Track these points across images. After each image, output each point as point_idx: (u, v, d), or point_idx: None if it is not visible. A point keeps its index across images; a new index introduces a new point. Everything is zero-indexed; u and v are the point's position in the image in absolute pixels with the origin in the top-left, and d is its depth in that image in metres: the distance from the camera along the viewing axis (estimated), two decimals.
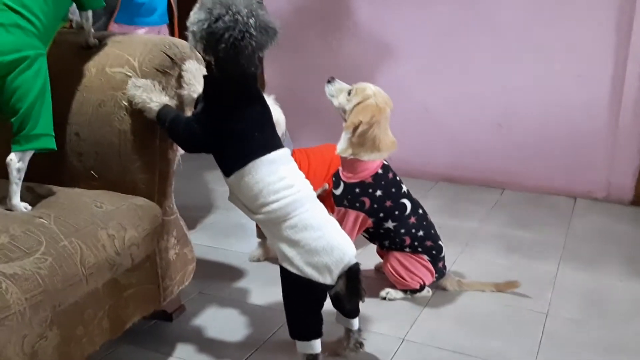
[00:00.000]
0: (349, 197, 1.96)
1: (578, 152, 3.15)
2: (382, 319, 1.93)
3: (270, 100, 1.98)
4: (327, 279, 1.48)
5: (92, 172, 1.65)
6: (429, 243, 2.02)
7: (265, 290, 2.11)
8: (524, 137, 3.23)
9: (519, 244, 2.54)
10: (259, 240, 2.36)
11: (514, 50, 3.15)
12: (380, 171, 1.96)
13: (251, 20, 1.41)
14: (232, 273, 2.26)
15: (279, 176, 1.51)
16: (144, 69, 1.64)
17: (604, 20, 2.95)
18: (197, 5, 1.47)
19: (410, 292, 2.05)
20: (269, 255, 2.35)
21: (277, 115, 1.98)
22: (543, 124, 3.18)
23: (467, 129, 3.35)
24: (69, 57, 1.70)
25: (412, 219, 2.00)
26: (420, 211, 2.03)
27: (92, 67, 1.67)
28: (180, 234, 1.82)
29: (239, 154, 1.51)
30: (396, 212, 1.97)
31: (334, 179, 2.03)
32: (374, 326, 1.89)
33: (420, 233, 2.01)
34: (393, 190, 1.97)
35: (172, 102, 1.65)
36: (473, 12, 3.18)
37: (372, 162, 1.94)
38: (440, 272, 2.07)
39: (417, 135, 3.42)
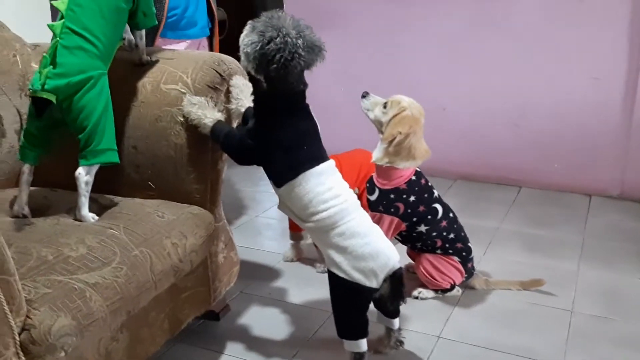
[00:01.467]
0: (384, 202, 2.06)
1: (592, 151, 3.25)
2: (417, 317, 2.05)
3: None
4: (373, 283, 1.59)
5: (150, 183, 1.76)
6: (459, 245, 2.13)
7: (302, 289, 2.23)
8: (540, 136, 3.33)
9: (539, 242, 2.65)
10: (292, 241, 2.47)
11: (530, 51, 3.25)
12: (413, 178, 2.06)
13: (299, 42, 1.51)
14: (269, 273, 2.38)
15: (327, 187, 1.61)
16: (196, 85, 1.74)
17: (619, 21, 3.05)
18: (249, 27, 1.57)
19: (441, 291, 2.17)
20: (301, 256, 2.46)
21: None
22: (558, 124, 3.28)
23: (484, 128, 3.45)
24: (125, 74, 1.79)
25: (444, 223, 2.10)
26: (451, 215, 2.14)
27: (147, 84, 1.77)
28: (227, 238, 1.93)
29: (289, 166, 1.61)
30: (429, 217, 2.08)
31: (368, 185, 2.13)
32: (410, 325, 2.00)
33: (451, 236, 2.12)
34: (425, 195, 2.08)
35: (223, 117, 1.75)
36: (491, 12, 3.28)
37: (406, 170, 2.05)
38: (470, 272, 2.18)
39: (435, 135, 3.48)
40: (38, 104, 1.55)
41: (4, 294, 1.12)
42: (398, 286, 1.63)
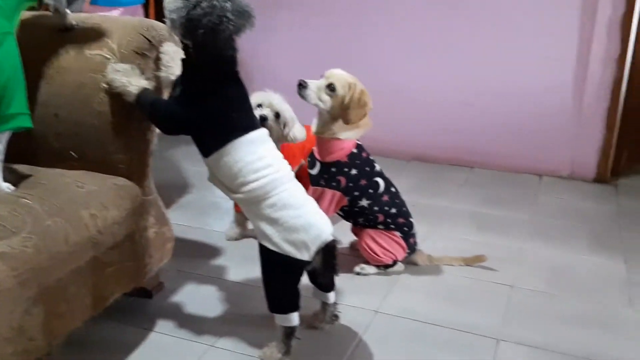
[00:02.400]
0: (325, 176, 2.01)
1: (544, 132, 3.25)
2: (356, 292, 2.01)
3: (277, 97, 2.01)
4: (305, 255, 1.54)
5: (72, 152, 1.68)
6: (401, 220, 2.09)
7: (242, 267, 2.17)
8: (493, 116, 3.32)
9: (488, 221, 2.64)
10: (236, 219, 2.40)
11: (484, 32, 3.23)
12: (354, 151, 2.02)
13: (227, 5, 1.45)
14: (210, 251, 2.31)
15: (258, 156, 1.56)
16: (122, 51, 1.66)
17: (570, 1, 3.04)
18: None
19: (384, 267, 2.13)
20: (245, 234, 2.40)
21: (288, 114, 2.02)
22: (511, 104, 3.27)
23: (439, 108, 3.42)
24: (47, 40, 1.71)
25: (385, 197, 2.07)
26: (393, 189, 2.10)
27: (70, 50, 1.69)
28: (159, 213, 1.86)
29: (217, 134, 1.55)
30: (370, 191, 2.04)
31: (309, 159, 2.08)
32: (349, 299, 1.96)
33: (393, 210, 2.08)
34: (367, 169, 2.04)
35: (151, 85, 1.68)
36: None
37: (347, 142, 2.00)
38: (412, 248, 2.15)
39: (390, 115, 3.47)
40: None
41: None
42: (330, 259, 1.58)
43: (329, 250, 1.57)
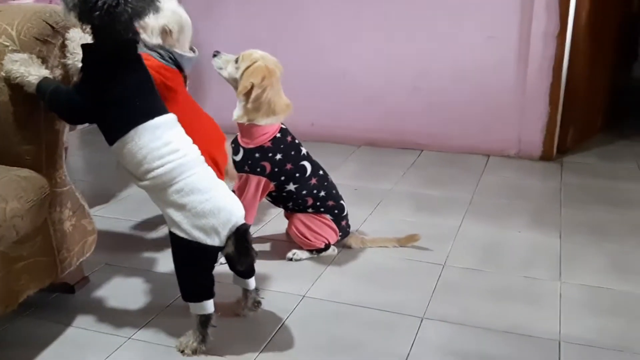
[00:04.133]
0: (250, 162, 1.98)
1: (490, 112, 3.25)
2: (286, 278, 1.98)
3: (172, 3, 1.99)
4: (215, 241, 1.50)
5: None
6: (330, 203, 2.07)
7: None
8: (440, 98, 3.31)
9: (429, 202, 2.63)
10: None
11: (427, 14, 3.21)
12: (278, 135, 1.98)
13: None
14: (141, 244, 2.26)
15: (164, 141, 1.51)
16: (22, 38, 1.60)
17: None
18: None
19: (316, 251, 2.11)
20: None
21: (183, 19, 2.00)
22: (457, 85, 3.26)
23: (385, 92, 3.41)
24: None
25: (313, 180, 2.04)
26: (321, 172, 2.08)
27: None
28: (75, 205, 1.80)
29: (120, 121, 1.50)
30: (297, 175, 2.01)
31: (232, 145, 2.04)
32: (277, 286, 1.93)
33: (322, 193, 2.05)
34: (292, 153, 2.00)
35: (58, 72, 1.63)
36: None
37: (269, 127, 1.97)
38: (344, 231, 2.12)
39: (336, 101, 3.46)
40: None
41: None
42: (243, 243, 1.54)
43: (240, 235, 1.53)
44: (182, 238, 1.51)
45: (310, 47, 3.42)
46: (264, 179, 1.99)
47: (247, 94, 1.91)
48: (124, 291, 1.92)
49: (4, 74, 1.57)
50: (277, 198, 2.08)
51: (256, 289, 1.73)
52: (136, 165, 1.51)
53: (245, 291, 1.73)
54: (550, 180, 2.91)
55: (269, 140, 1.97)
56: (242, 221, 1.54)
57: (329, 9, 3.37)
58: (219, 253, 1.55)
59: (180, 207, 1.51)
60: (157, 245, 2.25)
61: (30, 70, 1.55)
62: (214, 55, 1.98)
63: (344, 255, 2.13)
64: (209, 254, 1.53)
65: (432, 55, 3.28)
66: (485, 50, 3.17)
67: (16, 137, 1.62)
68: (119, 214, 2.51)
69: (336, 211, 2.08)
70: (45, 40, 1.63)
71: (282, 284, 1.94)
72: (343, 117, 3.46)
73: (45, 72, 1.57)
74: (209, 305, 1.57)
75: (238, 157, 2.01)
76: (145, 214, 2.52)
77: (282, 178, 2.00)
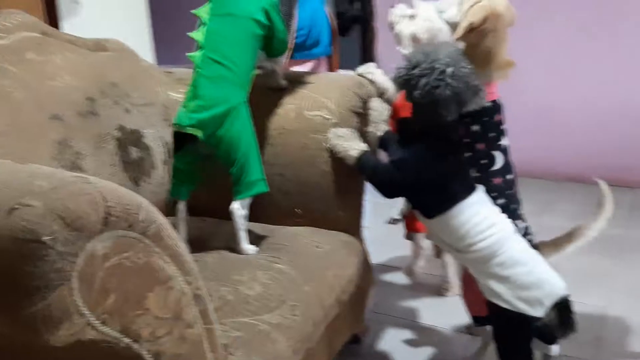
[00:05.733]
0: None
1: None
2: None
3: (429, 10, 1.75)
4: (538, 312, 1.52)
5: (296, 209, 1.75)
6: None
7: (433, 309, 2.19)
8: None
9: None
10: (414, 254, 2.40)
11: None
12: (489, 104, 1.62)
13: (449, 69, 1.45)
14: (395, 290, 2.33)
15: (483, 216, 1.56)
16: (341, 111, 1.71)
17: None
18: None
19: None
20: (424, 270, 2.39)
21: (435, 26, 1.71)
22: None
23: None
24: (263, 100, 1.77)
25: (497, 180, 1.69)
26: (510, 177, 1.70)
27: (290, 111, 1.75)
28: (367, 260, 1.90)
29: (441, 198, 1.56)
30: (482, 161, 1.67)
31: None
32: None
33: (500, 202, 1.65)
34: (491, 135, 1.67)
35: (367, 147, 1.72)
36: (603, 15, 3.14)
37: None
38: None
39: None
40: (183, 139, 1.56)
41: (207, 343, 1.12)
42: (568, 314, 1.55)
43: (564, 306, 1.55)
44: (504, 308, 1.55)
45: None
46: None
47: (466, 36, 1.57)
48: (402, 343, 2.00)
49: (329, 146, 1.69)
50: None
51: (558, 355, 1.74)
52: (458, 239, 1.56)
53: (547, 356, 1.74)
54: None
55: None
56: (565, 292, 1.56)
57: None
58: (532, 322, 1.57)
59: (503, 280, 1.54)
60: (411, 292, 2.30)
61: (352, 145, 1.65)
62: None
63: None
64: (531, 324, 1.56)
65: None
66: None
67: (335, 203, 1.73)
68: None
69: None
70: (359, 112, 1.73)
71: None
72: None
73: (364, 146, 1.65)
74: None
75: None
76: (383, 255, 2.57)
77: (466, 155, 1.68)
